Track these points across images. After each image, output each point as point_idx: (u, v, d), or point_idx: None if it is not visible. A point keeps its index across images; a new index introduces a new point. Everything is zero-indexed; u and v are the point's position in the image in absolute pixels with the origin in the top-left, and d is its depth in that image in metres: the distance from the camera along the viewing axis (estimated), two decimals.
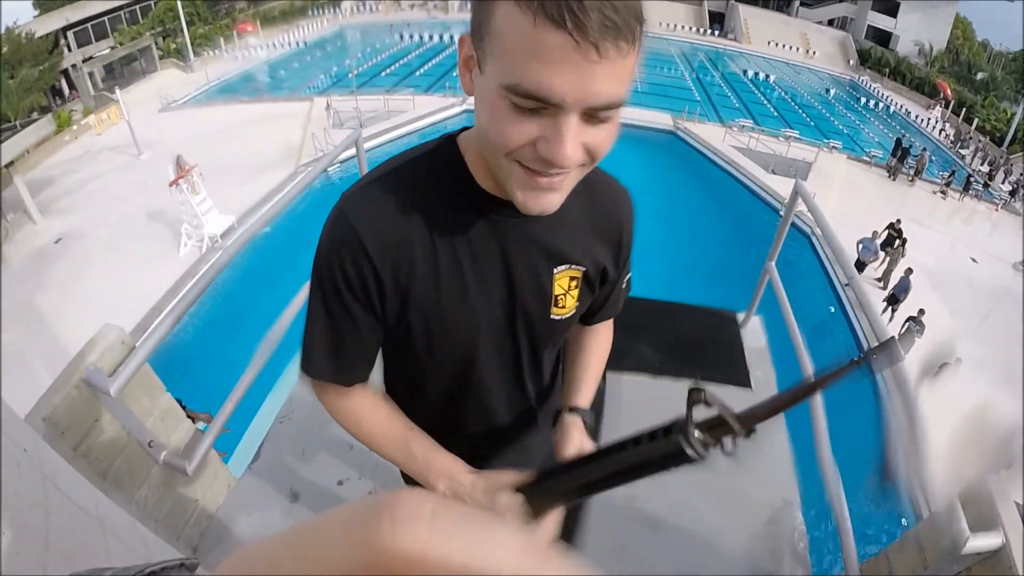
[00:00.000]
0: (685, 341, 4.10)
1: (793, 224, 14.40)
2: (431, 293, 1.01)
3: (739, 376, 3.74)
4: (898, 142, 22.90)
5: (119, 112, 20.65)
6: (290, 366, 4.18)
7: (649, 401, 3.36)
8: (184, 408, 6.98)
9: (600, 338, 1.38)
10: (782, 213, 3.66)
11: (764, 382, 3.77)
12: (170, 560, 0.53)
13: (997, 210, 22.35)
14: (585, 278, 1.13)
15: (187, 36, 28.82)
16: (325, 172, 3.75)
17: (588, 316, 1.30)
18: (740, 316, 4.39)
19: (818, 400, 2.60)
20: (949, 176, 22.39)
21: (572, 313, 1.15)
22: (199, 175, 13.97)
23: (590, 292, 1.18)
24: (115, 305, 12.53)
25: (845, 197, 20.02)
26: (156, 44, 29.42)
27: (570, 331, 1.26)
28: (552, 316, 1.12)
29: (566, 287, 1.10)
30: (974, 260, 18.83)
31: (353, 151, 3.77)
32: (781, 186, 19.67)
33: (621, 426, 2.69)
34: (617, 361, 3.34)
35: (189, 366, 11.95)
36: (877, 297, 15.29)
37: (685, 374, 3.67)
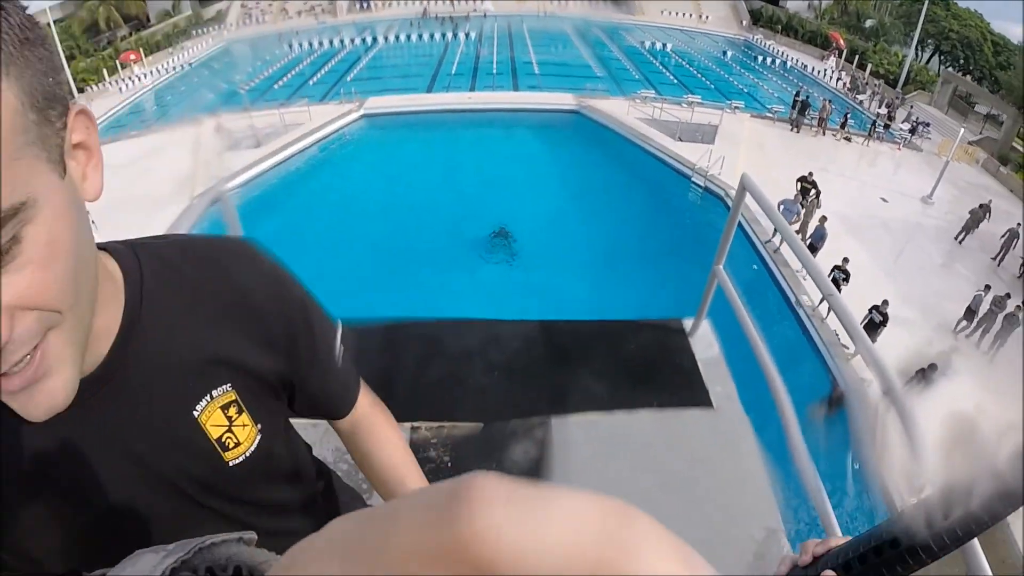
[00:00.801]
0: (631, 364, 3.62)
1: (707, 188, 13.50)
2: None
3: (698, 395, 3.27)
4: (796, 96, 23.06)
5: None
6: None
7: (604, 442, 2.96)
8: None
9: (372, 433, 1.09)
10: (730, 211, 3.21)
11: (726, 397, 3.26)
12: (229, 535, 0.53)
13: (899, 149, 22.83)
14: (249, 393, 0.84)
15: (68, 72, 26.80)
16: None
17: (320, 413, 1.04)
18: (686, 323, 3.80)
19: (790, 412, 2.39)
20: (844, 120, 22.64)
21: (257, 441, 0.86)
22: (92, 223, 12.59)
23: (274, 399, 0.90)
24: None
25: (754, 155, 19.85)
26: None
27: (291, 448, 1.01)
28: (231, 464, 0.84)
29: (225, 421, 0.82)
30: (884, 200, 18.96)
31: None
32: (690, 152, 19.32)
33: (574, 474, 2.70)
34: (559, 403, 3.16)
35: None
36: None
37: (639, 403, 3.20)
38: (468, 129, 21.93)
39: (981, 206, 17.56)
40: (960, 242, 17.54)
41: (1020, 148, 27.38)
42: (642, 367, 3.60)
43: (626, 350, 3.77)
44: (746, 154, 19.78)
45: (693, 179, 18.35)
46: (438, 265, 15.38)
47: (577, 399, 3.28)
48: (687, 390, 3.33)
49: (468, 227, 16.55)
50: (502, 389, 3.40)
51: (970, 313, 13.66)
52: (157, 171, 18.72)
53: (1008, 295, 13.91)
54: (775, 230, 15.44)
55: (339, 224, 16.98)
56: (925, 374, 11.62)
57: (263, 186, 18.72)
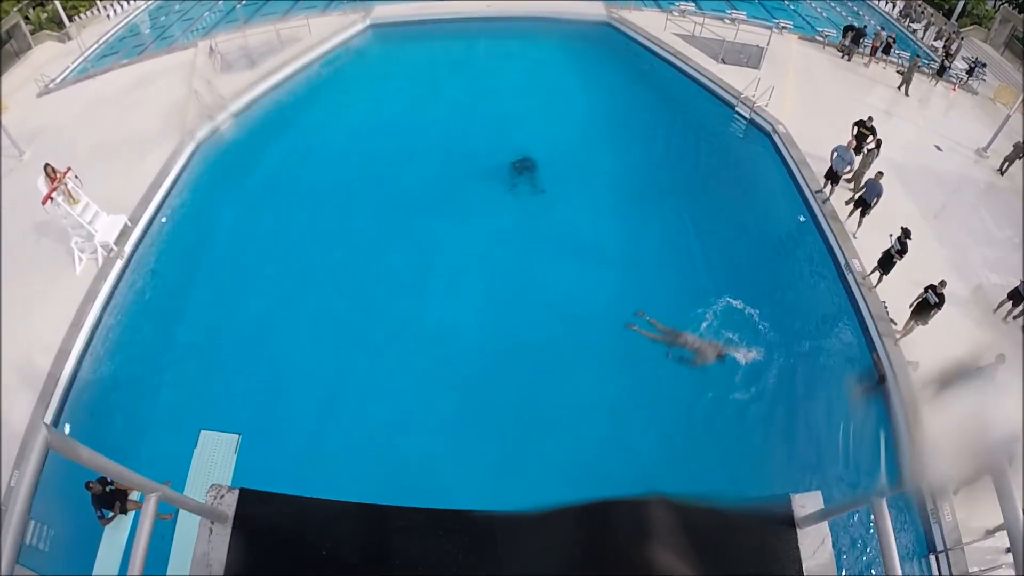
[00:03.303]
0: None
1: (752, 121, 11.64)
2: None
3: None
4: (851, 27, 20.72)
5: None
6: None
7: None
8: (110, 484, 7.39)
9: None
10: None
11: None
12: None
13: (955, 90, 20.85)
14: None
15: (57, 1, 23.72)
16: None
17: None
18: (795, 504, 3.24)
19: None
20: (914, 63, 20.37)
21: None
22: (75, 179, 12.04)
23: None
24: (17, 354, 10.48)
25: (804, 86, 17.92)
26: (26, 18, 24.09)
27: None
28: None
29: None
30: (939, 148, 17.30)
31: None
32: (734, 77, 17.34)
33: None
34: None
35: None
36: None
37: None
38: (487, 41, 19.61)
39: None
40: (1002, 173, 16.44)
41: None
42: None
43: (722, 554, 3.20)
44: (796, 81, 17.85)
45: (737, 109, 16.53)
46: (454, 199, 13.81)
47: None
48: None
49: (487, 154, 14.81)
50: None
51: (1017, 296, 12.36)
52: (148, 104, 17.05)
53: None
54: (826, 179, 13.96)
55: (344, 154, 15.22)
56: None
57: (259, 113, 16.79)
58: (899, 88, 18.62)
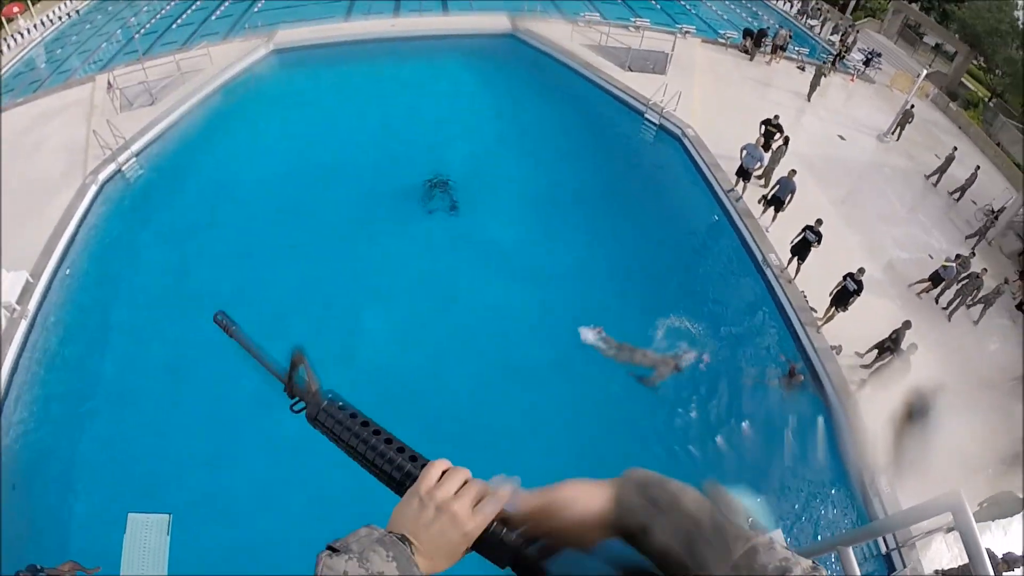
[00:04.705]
0: None
1: (661, 126, 11.44)
2: None
3: None
4: (749, 31, 21.28)
5: None
6: None
7: None
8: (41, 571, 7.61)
9: None
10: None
11: None
12: None
13: (853, 80, 21.66)
14: None
15: None
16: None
17: None
18: None
19: None
20: (834, 60, 21.23)
21: None
22: None
23: None
24: None
25: (709, 87, 18.16)
26: None
27: None
28: None
29: None
30: (842, 137, 17.79)
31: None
32: (641, 84, 17.40)
33: None
34: None
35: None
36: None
37: None
38: (393, 61, 19.14)
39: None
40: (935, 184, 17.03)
41: (969, 85, 26.82)
42: None
43: None
44: (701, 87, 18.04)
45: (646, 115, 16.52)
46: (370, 223, 13.22)
47: None
48: None
49: (400, 175, 14.30)
50: None
51: (936, 278, 12.73)
52: (46, 145, 15.88)
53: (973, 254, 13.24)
54: (738, 177, 14.02)
55: (252, 184, 14.40)
56: (891, 350, 10.71)
57: (164, 149, 15.82)
58: (807, 99, 19.01)
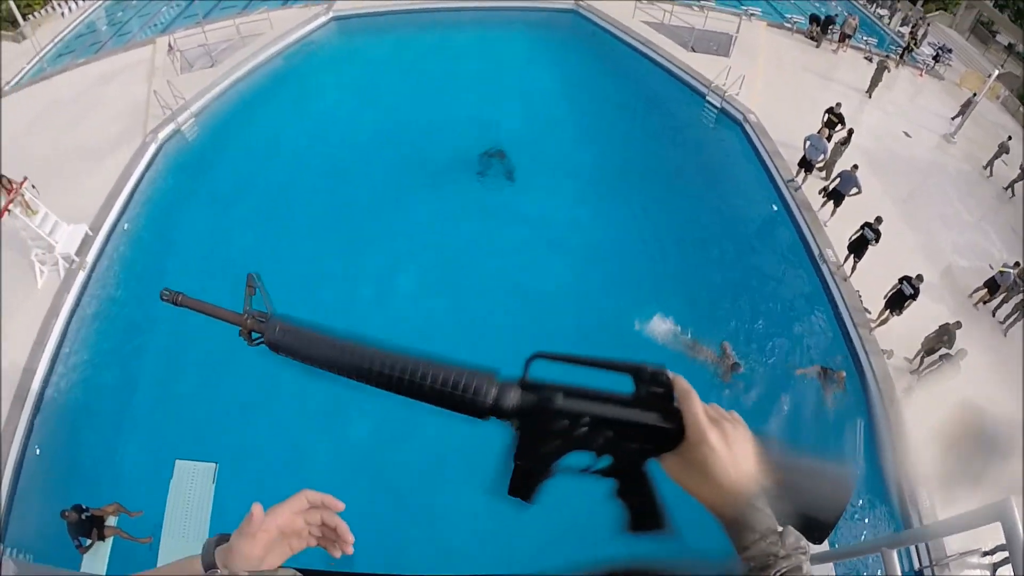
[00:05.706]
0: None
1: (723, 110, 11.31)
2: None
3: None
4: (816, 17, 20.63)
5: None
6: None
7: None
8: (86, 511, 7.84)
9: None
10: None
11: None
12: None
13: (921, 75, 20.90)
14: None
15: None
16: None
17: None
18: None
19: None
20: (901, 54, 20.44)
21: None
22: (31, 189, 11.41)
23: None
24: None
25: (772, 73, 17.73)
26: None
27: None
28: None
29: None
30: (907, 135, 17.28)
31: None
32: (703, 65, 17.06)
33: None
34: None
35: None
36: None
37: None
38: (452, 31, 19.05)
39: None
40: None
41: None
42: None
43: None
44: (766, 68, 17.64)
45: (708, 98, 16.24)
46: (425, 190, 13.33)
47: None
48: None
49: (456, 144, 14.32)
50: None
51: (993, 285, 12.30)
52: (107, 105, 16.20)
53: None
54: (799, 168, 13.76)
55: (311, 149, 14.66)
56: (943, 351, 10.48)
57: (222, 111, 16.10)
58: (868, 95, 18.34)
